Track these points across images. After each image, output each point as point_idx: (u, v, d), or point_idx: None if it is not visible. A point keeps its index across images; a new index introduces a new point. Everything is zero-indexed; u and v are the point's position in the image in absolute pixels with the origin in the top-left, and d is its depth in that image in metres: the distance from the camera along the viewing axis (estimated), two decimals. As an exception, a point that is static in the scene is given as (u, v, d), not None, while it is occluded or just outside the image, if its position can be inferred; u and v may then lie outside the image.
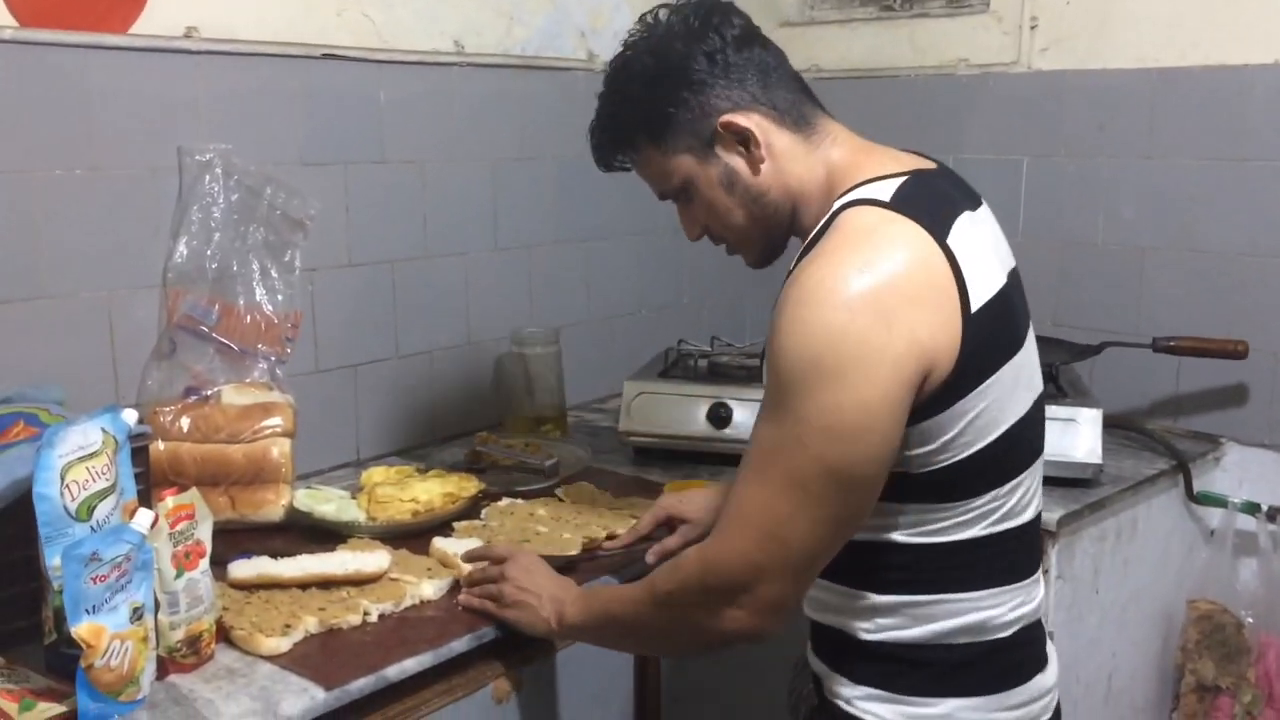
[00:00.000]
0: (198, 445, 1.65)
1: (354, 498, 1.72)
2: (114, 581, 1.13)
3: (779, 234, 1.24)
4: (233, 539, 1.61)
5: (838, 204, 1.14)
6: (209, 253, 1.72)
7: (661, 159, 1.23)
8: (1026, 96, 2.29)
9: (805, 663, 1.28)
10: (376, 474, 1.80)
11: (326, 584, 1.40)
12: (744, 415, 1.92)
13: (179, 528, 1.23)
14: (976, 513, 1.14)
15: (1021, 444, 1.16)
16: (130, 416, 1.30)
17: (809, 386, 1.02)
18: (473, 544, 1.54)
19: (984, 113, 2.35)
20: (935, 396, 1.06)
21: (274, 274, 1.80)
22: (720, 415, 1.92)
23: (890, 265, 1.04)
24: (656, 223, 2.36)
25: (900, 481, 1.10)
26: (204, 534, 1.26)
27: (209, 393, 1.72)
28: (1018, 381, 1.14)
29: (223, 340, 1.74)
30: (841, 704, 1.18)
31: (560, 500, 1.76)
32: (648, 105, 1.21)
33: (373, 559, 1.43)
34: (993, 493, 1.14)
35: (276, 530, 1.65)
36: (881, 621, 1.16)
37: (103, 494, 1.21)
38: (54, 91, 1.57)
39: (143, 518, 1.18)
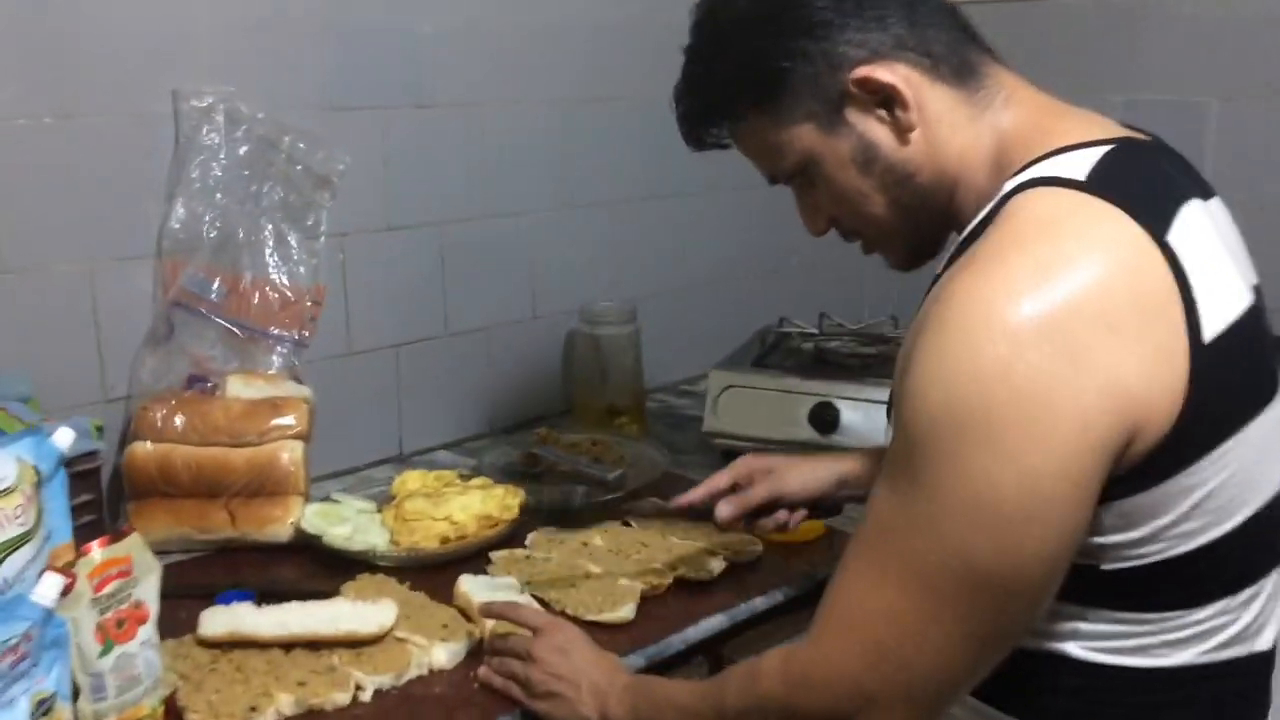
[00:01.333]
0: (194, 449, 1.39)
1: (380, 510, 1.44)
2: (8, 670, 0.87)
3: (933, 227, 0.95)
4: (230, 564, 1.36)
5: (1010, 185, 0.84)
6: (211, 217, 1.45)
7: (772, 130, 0.94)
8: (1216, 19, 1.86)
9: None
10: (411, 480, 1.52)
11: (315, 645, 1.13)
12: (855, 418, 1.58)
13: (108, 589, 0.96)
14: (1193, 630, 0.82)
15: (1269, 536, 0.83)
16: (64, 437, 1.03)
17: (951, 450, 0.74)
18: (507, 585, 1.25)
19: (1158, 42, 1.92)
20: (1146, 464, 0.76)
21: (292, 241, 1.52)
22: (825, 418, 1.59)
23: (1082, 274, 0.74)
24: (756, 175, 2.02)
25: (1085, 576, 0.80)
26: (146, 593, 1.00)
27: (216, 382, 1.45)
28: (1268, 445, 0.80)
29: (230, 321, 1.47)
30: None
31: (625, 524, 1.45)
32: (753, 59, 0.92)
33: (374, 615, 1.15)
34: (1221, 604, 0.82)
35: (283, 553, 1.38)
36: None
37: (14, 544, 0.95)
38: (16, 24, 1.30)
39: (49, 584, 0.91)
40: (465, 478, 1.55)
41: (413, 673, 1.11)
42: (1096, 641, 0.83)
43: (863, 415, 1.58)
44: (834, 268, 2.28)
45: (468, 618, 1.20)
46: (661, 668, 1.21)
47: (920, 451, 0.75)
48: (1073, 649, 0.83)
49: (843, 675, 0.79)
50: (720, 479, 1.28)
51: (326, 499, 1.46)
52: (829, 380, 1.62)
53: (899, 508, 0.77)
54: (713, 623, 1.25)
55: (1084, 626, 0.82)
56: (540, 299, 1.85)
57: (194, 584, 1.30)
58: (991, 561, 0.73)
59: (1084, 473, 0.73)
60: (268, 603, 1.21)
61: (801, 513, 1.30)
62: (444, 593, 1.26)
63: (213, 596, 1.24)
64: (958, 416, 0.73)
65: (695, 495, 1.28)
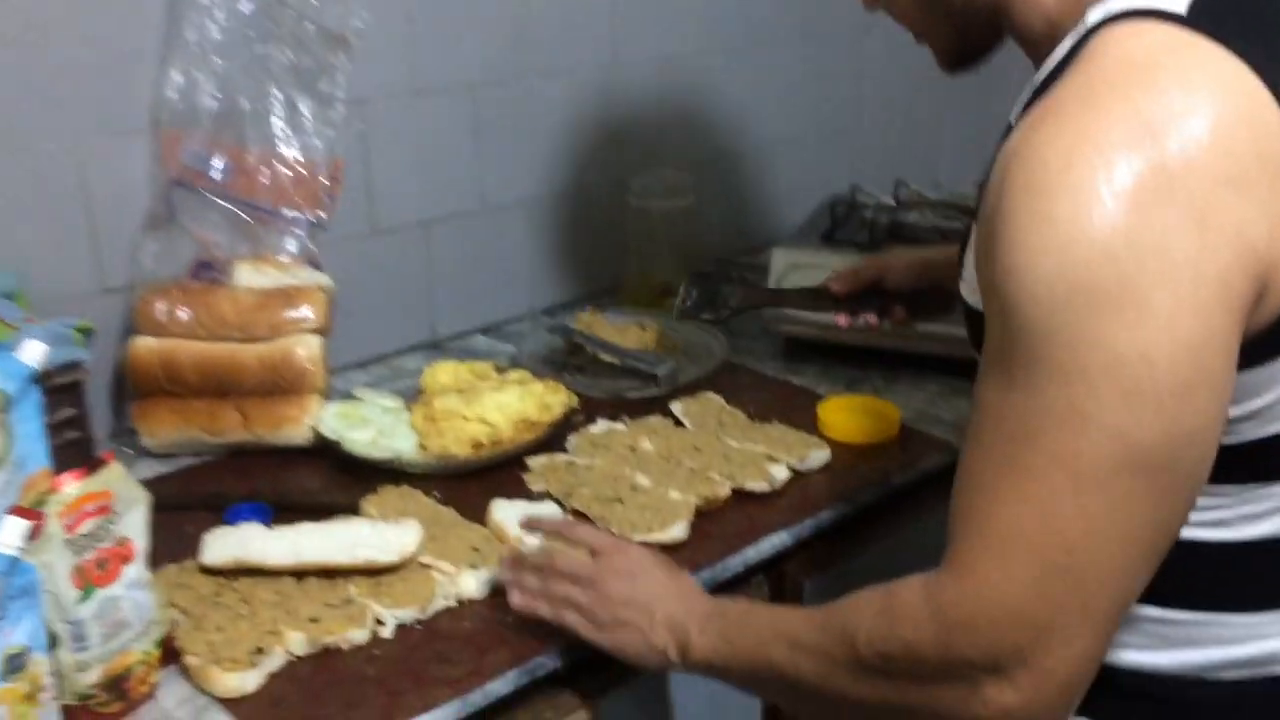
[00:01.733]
0: (201, 345, 1.26)
1: (408, 408, 1.32)
2: (-32, 624, 0.76)
3: (978, 30, 0.86)
4: (243, 469, 1.25)
5: (1096, 14, 0.72)
6: (211, 85, 1.29)
7: None
8: None
9: None
10: (442, 373, 1.38)
11: (330, 573, 1.01)
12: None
13: (84, 529, 0.84)
14: (1274, 503, 0.76)
15: None
16: (34, 352, 0.89)
17: (1084, 324, 0.65)
18: (541, 506, 1.12)
19: None
20: (1263, 337, 0.68)
21: (304, 110, 1.35)
22: (903, 302, 1.42)
23: (1195, 128, 0.65)
24: (825, 23, 1.80)
25: None
26: (131, 528, 0.88)
27: (223, 270, 1.31)
28: None
29: (237, 201, 1.32)
30: None
31: (676, 424, 1.31)
32: None
33: (396, 539, 1.02)
34: None
35: (301, 458, 1.26)
36: (1119, 638, 0.78)
37: (-24, 476, 0.83)
38: None
39: (10, 528, 0.79)
40: (502, 370, 1.41)
41: (439, 604, 1.00)
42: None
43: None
44: (913, 126, 2.07)
45: (501, 540, 1.08)
46: (715, 591, 1.08)
47: (1040, 334, 0.65)
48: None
49: (1010, 607, 0.68)
50: (858, 280, 1.30)
51: (349, 396, 1.33)
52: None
53: (1027, 403, 0.67)
54: (775, 540, 1.12)
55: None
56: (585, 168, 1.68)
57: (203, 493, 1.19)
58: (1156, 441, 0.65)
59: (1231, 338, 0.66)
60: (282, 518, 1.10)
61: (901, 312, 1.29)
62: (476, 506, 1.14)
63: (222, 509, 1.14)
64: (1084, 286, 0.64)
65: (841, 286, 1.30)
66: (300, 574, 1.01)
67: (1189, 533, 0.74)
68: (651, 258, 1.63)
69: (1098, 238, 0.63)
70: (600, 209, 1.71)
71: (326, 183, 1.37)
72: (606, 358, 1.43)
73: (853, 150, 1.98)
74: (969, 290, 0.80)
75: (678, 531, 1.09)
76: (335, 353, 1.36)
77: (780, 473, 1.18)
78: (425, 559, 1.04)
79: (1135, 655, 0.79)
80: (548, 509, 1.13)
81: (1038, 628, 0.67)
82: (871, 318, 1.30)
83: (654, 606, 0.90)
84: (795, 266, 1.47)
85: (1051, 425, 0.66)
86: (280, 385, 1.26)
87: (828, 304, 1.32)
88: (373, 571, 1.01)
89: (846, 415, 1.29)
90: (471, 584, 1.01)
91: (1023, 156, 0.66)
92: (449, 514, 1.12)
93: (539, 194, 1.64)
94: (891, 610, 0.74)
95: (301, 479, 1.23)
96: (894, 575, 0.77)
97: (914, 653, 0.72)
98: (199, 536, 1.05)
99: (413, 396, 1.36)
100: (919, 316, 1.30)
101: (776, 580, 1.15)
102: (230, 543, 1.03)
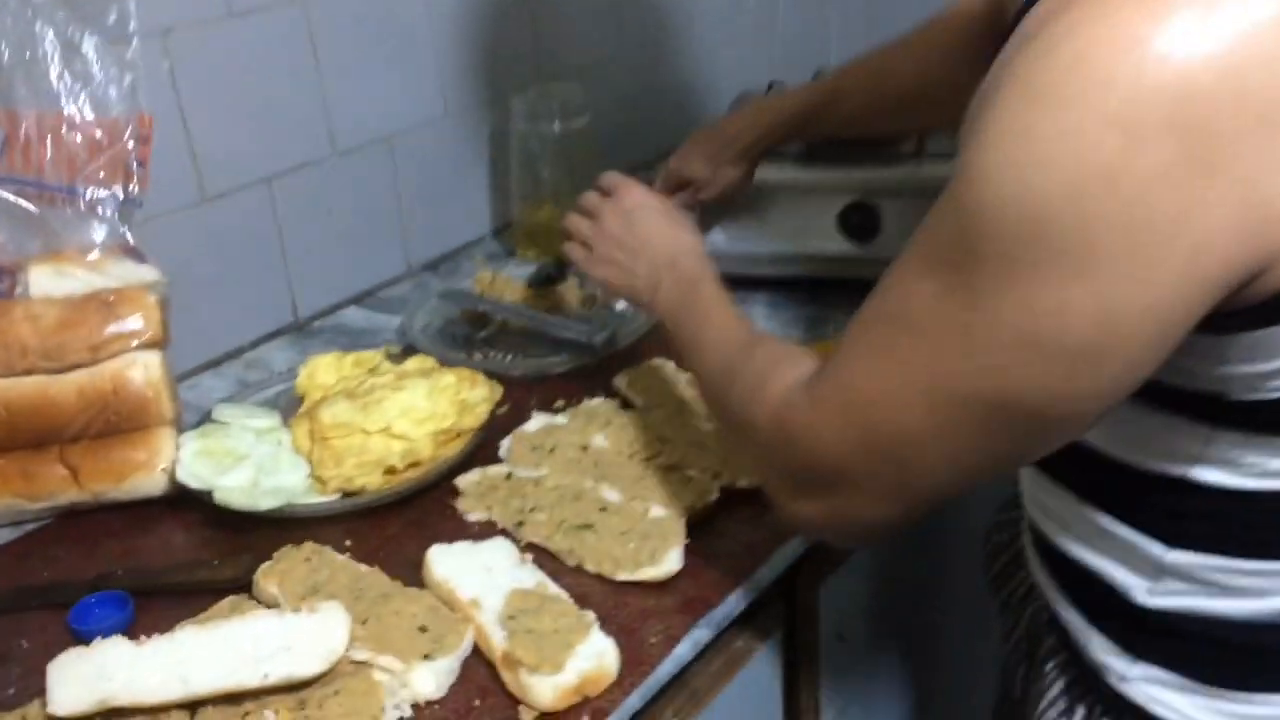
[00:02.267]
0: (-3, 384, 0.95)
1: (288, 425, 1.04)
2: None
3: None
4: (84, 537, 0.96)
5: None
6: (-48, 28, 0.95)
7: None
8: None
9: (1016, 507, 0.91)
10: (322, 370, 1.10)
11: (235, 697, 0.75)
12: (899, 220, 1.20)
13: None
14: None
15: None
16: None
17: (1020, 265, 0.57)
18: (503, 554, 0.88)
19: None
20: None
21: (89, 52, 1.02)
22: (859, 223, 1.20)
23: (1228, 31, 0.52)
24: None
25: (1212, 406, 0.66)
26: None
27: (10, 279, 0.99)
28: None
29: (15, 182, 0.99)
30: (1113, 681, 0.77)
31: (625, 404, 1.07)
32: None
33: (314, 635, 0.76)
34: None
35: (159, 512, 0.98)
36: (1173, 585, 0.73)
37: None
38: None
39: None
40: (395, 357, 1.14)
41: (391, 717, 0.75)
42: (1225, 468, 0.68)
43: (914, 213, 1.19)
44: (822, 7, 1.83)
45: (450, 608, 0.83)
46: (730, 629, 0.87)
47: (979, 252, 0.58)
48: (1201, 475, 0.69)
49: (831, 454, 0.69)
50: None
51: (207, 419, 1.04)
52: (860, 167, 1.22)
53: (934, 303, 0.62)
54: (788, 552, 0.90)
55: (1211, 452, 0.68)
56: (454, 88, 1.38)
57: (35, 584, 0.90)
58: (1034, 396, 0.61)
59: (1179, 309, 0.57)
60: (147, 607, 0.83)
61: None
62: (405, 557, 0.89)
63: (65, 605, 0.85)
64: (1039, 228, 0.56)
65: None
66: (194, 706, 0.74)
67: (1245, 481, 0.68)
68: (543, 191, 1.36)
69: (1070, 170, 0.54)
70: (478, 138, 1.42)
71: (133, 146, 1.05)
72: (522, 324, 1.16)
73: (771, 35, 1.73)
74: None
75: (672, 563, 0.86)
76: (177, 358, 1.07)
77: (772, 458, 0.96)
78: (359, 654, 0.78)
79: (1189, 600, 0.72)
80: (503, 553, 0.88)
81: (850, 482, 0.69)
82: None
83: (642, 251, 0.98)
84: (729, 189, 1.23)
85: (941, 336, 0.62)
86: (115, 423, 0.96)
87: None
88: (293, 687, 0.75)
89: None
90: (429, 682, 0.76)
91: (1038, 40, 0.55)
92: (374, 577, 0.86)
93: (401, 128, 1.33)
94: (762, 386, 0.75)
95: (165, 546, 0.94)
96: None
97: (752, 428, 0.75)
98: (42, 657, 0.76)
99: (289, 407, 1.08)
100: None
101: (788, 597, 0.94)
102: (86, 673, 0.75)
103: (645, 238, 0.97)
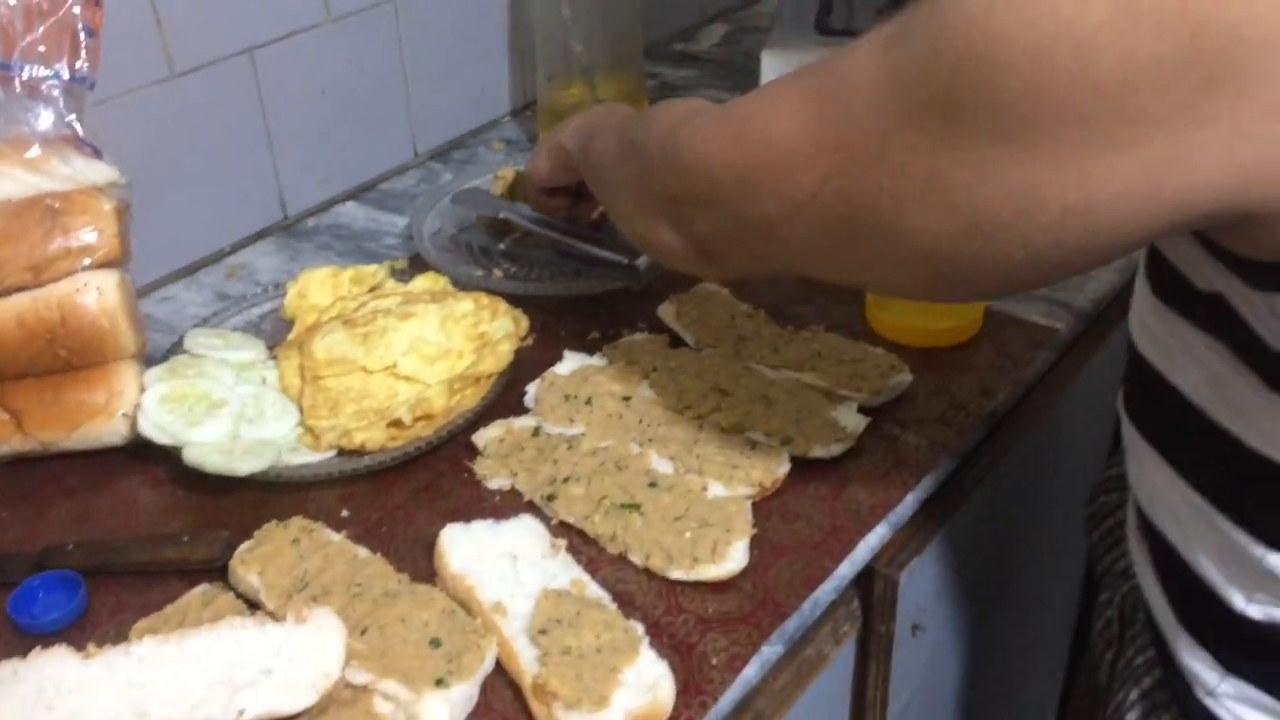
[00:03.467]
0: (-82, 310, 0.78)
1: (274, 355, 0.88)
2: None
3: None
4: (30, 497, 0.81)
5: None
6: None
7: None
8: None
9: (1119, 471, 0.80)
10: (314, 287, 0.94)
11: (204, 736, 0.61)
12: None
13: None
14: None
15: None
16: None
17: (994, 125, 0.47)
18: (533, 533, 0.73)
19: None
20: None
21: (20, -109, 0.82)
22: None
23: None
24: None
25: None
26: None
27: (-68, 176, 0.81)
28: None
29: (-66, 59, 0.81)
30: (1200, 694, 0.66)
31: (673, 339, 0.90)
32: None
33: (303, 655, 0.62)
34: None
35: (118, 465, 0.82)
36: (1274, 593, 0.61)
37: None
38: None
39: None
40: (400, 273, 0.97)
41: (394, 761, 0.61)
42: None
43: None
44: None
45: (467, 609, 0.68)
46: (808, 634, 0.73)
47: (954, 92, 0.48)
48: None
49: (708, 186, 0.63)
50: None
51: (178, 349, 0.87)
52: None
53: (880, 113, 0.52)
54: (872, 540, 0.75)
55: None
56: (468, -58, 1.17)
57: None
58: (951, 252, 0.52)
59: (1165, 219, 0.47)
60: (102, 588, 0.69)
61: None
62: (413, 537, 0.74)
63: (7, 585, 0.71)
64: (1019, 83, 0.45)
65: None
66: (152, 746, 0.60)
67: None
68: (573, 67, 1.16)
69: (1070, 32, 0.44)
70: (497, 0, 1.21)
71: (80, 10, 0.85)
72: (550, 238, 0.98)
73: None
74: None
75: (737, 560, 0.71)
76: (143, 265, 0.91)
77: (850, 419, 0.80)
78: (358, 676, 0.64)
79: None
80: (526, 531, 0.73)
81: (721, 210, 0.63)
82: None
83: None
84: (797, 77, 1.04)
85: (881, 149, 0.52)
86: (64, 359, 0.80)
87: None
88: (277, 724, 0.61)
89: (909, 307, 0.91)
90: (442, 714, 0.62)
91: None
92: (376, 567, 0.71)
93: (407, -14, 1.13)
94: (655, 119, 0.70)
95: (125, 508, 0.79)
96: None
97: (639, 147, 0.71)
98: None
99: (276, 332, 0.92)
100: None
101: (865, 586, 0.79)
102: (23, 697, 0.61)
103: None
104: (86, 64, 0.86)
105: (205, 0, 0.97)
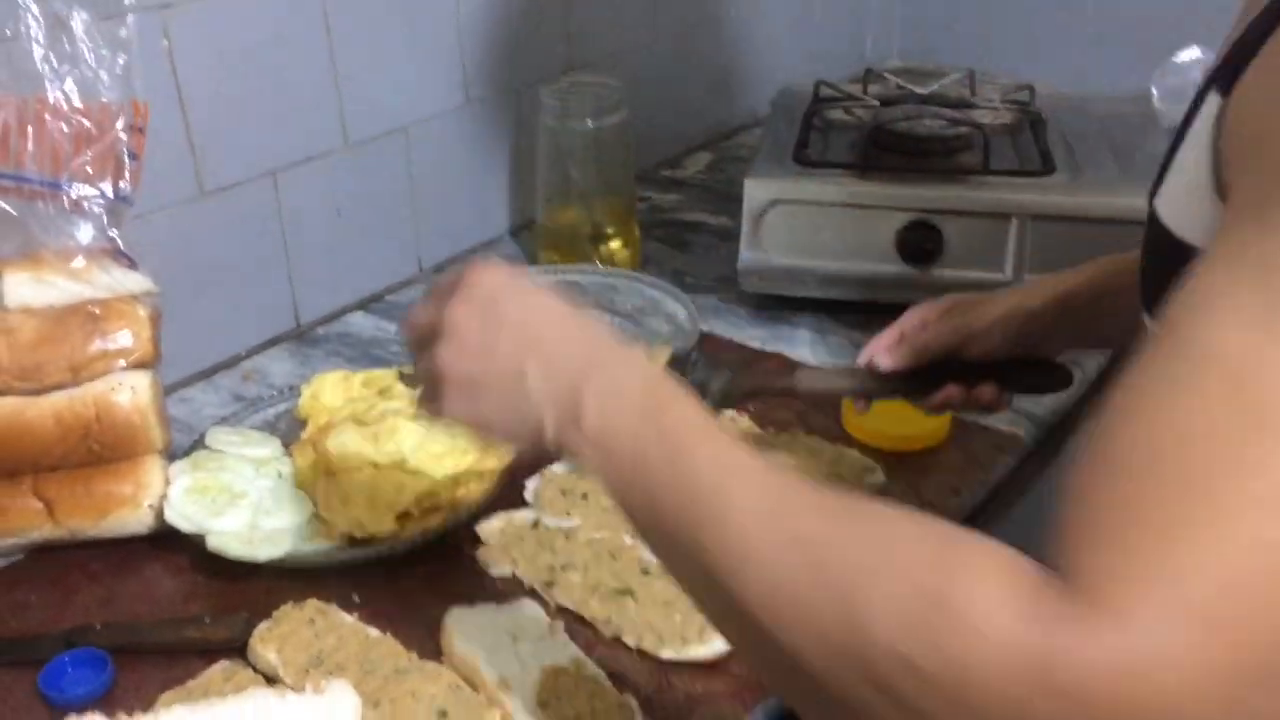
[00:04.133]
0: (-36, 405, 0.84)
1: (289, 451, 0.94)
2: None
3: None
4: (58, 582, 0.85)
5: None
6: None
7: None
8: None
9: None
10: (328, 389, 1.00)
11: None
12: (964, 241, 1.10)
13: None
14: None
15: None
16: None
17: None
18: (532, 621, 0.78)
19: None
20: None
21: (78, 29, 0.90)
22: (919, 244, 1.10)
23: None
24: None
25: None
26: None
27: (-19, 283, 0.88)
28: None
29: (-10, 177, 0.89)
30: None
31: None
32: None
33: (322, 730, 0.67)
34: None
35: (143, 553, 0.87)
36: None
37: None
38: None
39: None
40: (409, 379, 1.03)
41: (403, 833, 0.65)
42: None
43: (978, 236, 1.09)
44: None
45: (471, 686, 0.73)
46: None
47: None
48: None
49: (1194, 693, 0.36)
50: (886, 334, 0.85)
51: (199, 445, 0.93)
52: (922, 183, 1.12)
53: None
54: (847, 627, 0.80)
55: None
56: (477, 75, 1.27)
57: (2, 636, 0.79)
58: None
59: None
60: (128, 665, 0.73)
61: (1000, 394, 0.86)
62: (421, 622, 0.79)
63: (37, 662, 0.75)
64: None
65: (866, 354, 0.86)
66: (176, 812, 0.65)
67: None
68: (571, 192, 1.25)
69: None
70: (499, 130, 1.31)
71: (125, 136, 0.94)
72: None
73: (802, 27, 1.62)
74: (1187, 197, 0.54)
75: (722, 642, 0.76)
76: (166, 368, 0.96)
77: (828, 514, 0.87)
78: (368, 747, 0.68)
79: None
80: (527, 615, 0.79)
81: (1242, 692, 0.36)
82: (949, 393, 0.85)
83: (523, 357, 0.58)
84: (777, 201, 1.13)
85: None
86: (97, 453, 0.86)
87: (873, 385, 0.86)
88: (293, 795, 0.65)
89: (882, 410, 0.98)
90: (452, 784, 0.67)
91: None
92: (386, 646, 0.76)
93: (418, 117, 1.22)
94: (953, 615, 0.41)
95: (149, 593, 0.84)
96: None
97: (966, 687, 0.39)
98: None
99: (290, 431, 0.98)
100: (1018, 391, 0.87)
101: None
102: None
103: (523, 335, 0.59)
104: (128, 184, 0.94)
105: (235, 127, 1.06)
